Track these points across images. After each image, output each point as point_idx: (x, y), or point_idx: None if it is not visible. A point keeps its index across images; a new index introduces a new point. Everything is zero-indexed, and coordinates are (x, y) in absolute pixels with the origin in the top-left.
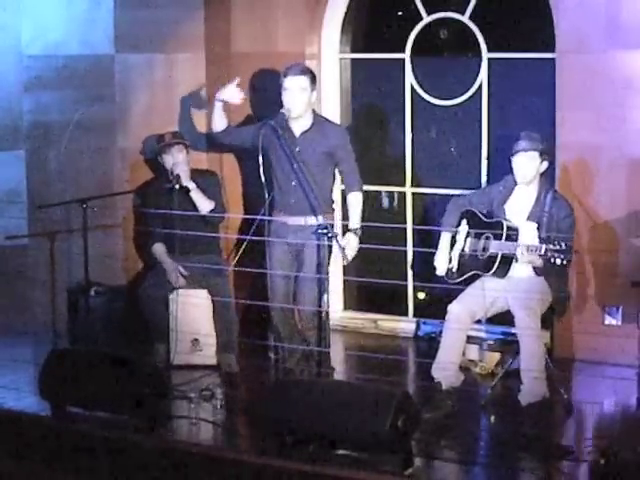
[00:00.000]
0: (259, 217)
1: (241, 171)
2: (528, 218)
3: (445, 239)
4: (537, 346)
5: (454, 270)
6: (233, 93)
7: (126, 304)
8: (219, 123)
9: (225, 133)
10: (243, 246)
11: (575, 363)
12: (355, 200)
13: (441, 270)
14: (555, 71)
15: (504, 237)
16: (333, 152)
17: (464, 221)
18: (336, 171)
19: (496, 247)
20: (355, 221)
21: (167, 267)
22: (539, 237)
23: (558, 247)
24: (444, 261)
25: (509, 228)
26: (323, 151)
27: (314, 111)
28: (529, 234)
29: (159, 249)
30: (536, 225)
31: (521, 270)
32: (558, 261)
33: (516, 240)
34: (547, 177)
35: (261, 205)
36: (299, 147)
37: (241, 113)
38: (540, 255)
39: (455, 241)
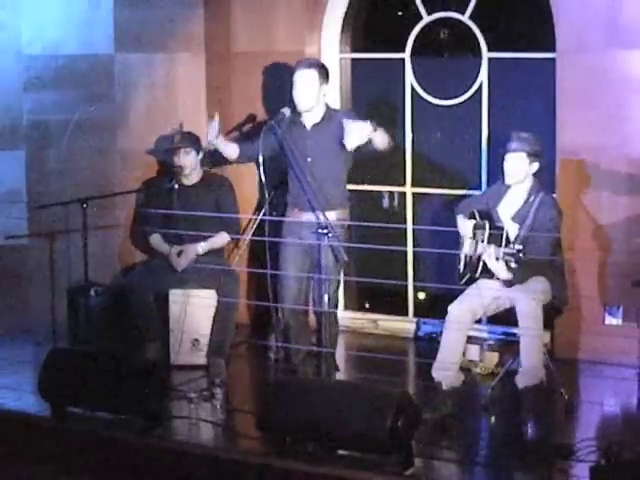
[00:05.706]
0: (271, 218)
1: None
2: (513, 219)
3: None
4: (537, 340)
5: (460, 271)
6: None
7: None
8: (232, 151)
9: (244, 157)
10: (243, 246)
11: (575, 363)
12: None
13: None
14: (555, 71)
15: (486, 238)
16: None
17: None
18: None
19: (480, 248)
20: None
21: (165, 251)
22: (518, 238)
23: (512, 251)
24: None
25: (492, 228)
26: (336, 141)
27: (327, 104)
28: (512, 235)
29: (157, 239)
30: (518, 226)
31: None
32: (512, 264)
33: (500, 242)
34: (539, 179)
35: (276, 204)
36: (311, 140)
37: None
38: (497, 258)
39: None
